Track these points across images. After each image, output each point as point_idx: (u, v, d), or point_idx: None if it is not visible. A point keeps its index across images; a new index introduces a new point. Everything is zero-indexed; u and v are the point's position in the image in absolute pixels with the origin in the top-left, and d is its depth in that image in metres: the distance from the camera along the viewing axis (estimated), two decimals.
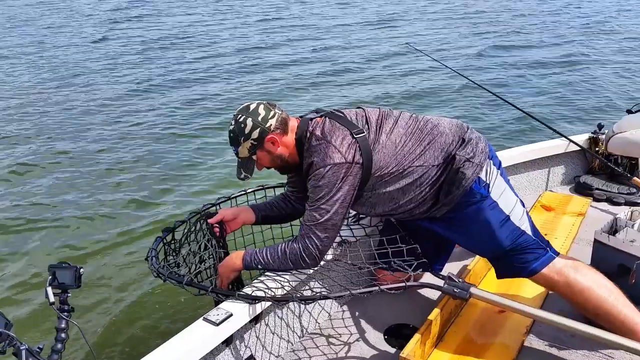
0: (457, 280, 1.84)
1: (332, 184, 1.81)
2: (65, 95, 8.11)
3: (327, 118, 1.92)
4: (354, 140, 1.83)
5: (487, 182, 1.90)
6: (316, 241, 1.85)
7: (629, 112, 3.33)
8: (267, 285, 1.82)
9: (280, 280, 1.87)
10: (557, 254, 1.94)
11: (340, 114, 1.94)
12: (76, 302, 3.11)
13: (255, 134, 1.88)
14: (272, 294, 1.79)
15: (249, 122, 1.87)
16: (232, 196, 2.41)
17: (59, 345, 1.42)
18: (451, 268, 2.34)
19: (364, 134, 1.85)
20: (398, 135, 1.90)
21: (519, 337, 1.99)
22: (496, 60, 9.89)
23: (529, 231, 1.93)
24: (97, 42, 11.97)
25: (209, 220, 2.11)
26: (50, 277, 1.45)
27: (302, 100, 7.68)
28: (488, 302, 1.87)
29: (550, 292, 2.23)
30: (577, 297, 1.85)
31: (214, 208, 2.32)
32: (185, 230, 2.16)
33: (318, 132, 1.87)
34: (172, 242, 2.17)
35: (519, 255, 1.93)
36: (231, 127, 1.92)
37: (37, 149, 6.02)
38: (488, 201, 1.89)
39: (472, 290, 1.82)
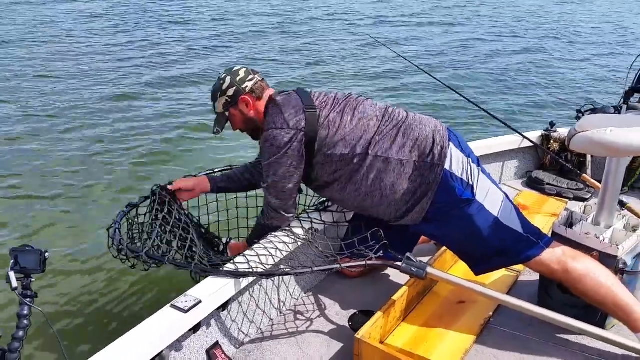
0: (414, 260, 1.88)
1: (276, 147, 1.93)
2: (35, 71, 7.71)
3: (292, 92, 2.06)
4: (303, 113, 1.94)
5: (471, 183, 1.89)
6: (271, 205, 2.05)
7: (579, 112, 3.50)
8: (235, 261, 1.86)
9: (247, 261, 1.87)
10: (550, 243, 1.92)
11: (307, 92, 2.06)
12: (39, 287, 2.99)
13: (230, 92, 2.06)
14: (235, 267, 1.82)
15: (228, 80, 2.07)
16: (199, 175, 2.49)
17: (21, 333, 1.36)
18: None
19: (314, 111, 1.95)
20: (352, 117, 1.96)
21: (475, 329, 2.01)
22: (452, 55, 10.01)
23: (519, 228, 1.92)
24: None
25: (169, 187, 2.29)
26: (12, 261, 1.38)
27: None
28: (444, 282, 1.94)
29: (510, 287, 2.30)
30: (577, 284, 1.84)
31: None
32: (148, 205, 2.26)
33: (278, 100, 2.02)
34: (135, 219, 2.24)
35: (509, 253, 1.93)
36: (214, 84, 2.11)
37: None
38: (475, 205, 1.88)
39: (429, 269, 1.87)
